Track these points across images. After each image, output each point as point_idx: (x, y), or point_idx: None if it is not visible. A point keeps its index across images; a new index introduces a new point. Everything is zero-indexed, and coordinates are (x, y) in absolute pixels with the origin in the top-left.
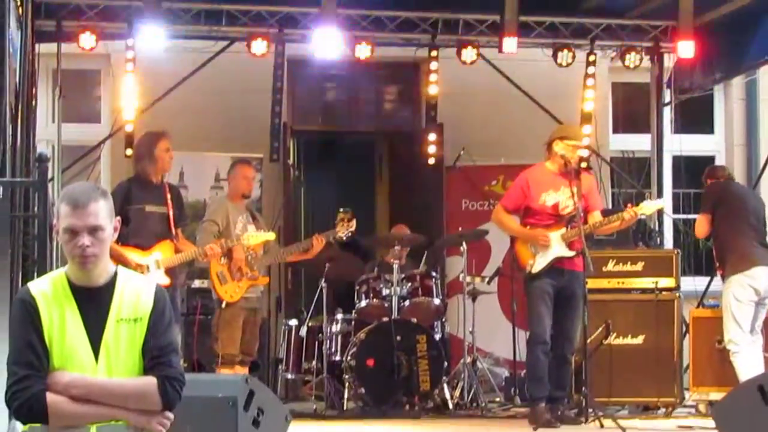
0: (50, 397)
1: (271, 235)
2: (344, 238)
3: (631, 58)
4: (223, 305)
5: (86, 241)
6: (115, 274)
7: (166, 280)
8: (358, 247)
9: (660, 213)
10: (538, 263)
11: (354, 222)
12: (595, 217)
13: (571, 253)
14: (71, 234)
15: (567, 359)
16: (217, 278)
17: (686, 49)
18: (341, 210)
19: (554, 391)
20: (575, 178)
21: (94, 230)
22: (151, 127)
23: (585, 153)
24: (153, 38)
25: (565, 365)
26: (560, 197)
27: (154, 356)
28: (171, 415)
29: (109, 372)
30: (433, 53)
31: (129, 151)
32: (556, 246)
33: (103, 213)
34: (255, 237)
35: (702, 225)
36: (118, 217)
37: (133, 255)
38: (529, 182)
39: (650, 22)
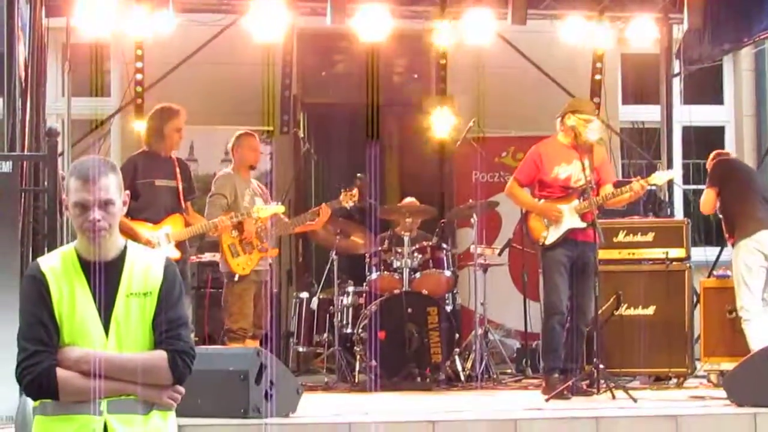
0: (60, 372)
1: (280, 208)
2: (348, 208)
3: (641, 29)
4: (236, 278)
5: (97, 215)
6: (125, 248)
7: (176, 254)
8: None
9: (670, 183)
10: (552, 235)
11: (356, 191)
12: (607, 190)
13: (583, 225)
14: (81, 208)
15: (581, 331)
16: (229, 251)
17: (695, 19)
18: (358, 175)
19: (567, 362)
20: (587, 151)
21: (104, 204)
22: (160, 100)
23: (597, 129)
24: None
25: (579, 337)
26: (572, 170)
27: (164, 330)
28: (181, 389)
29: (119, 347)
30: (443, 25)
31: (138, 125)
32: (569, 217)
33: (114, 187)
34: (265, 210)
35: (709, 200)
36: (128, 192)
37: (143, 229)
38: (541, 155)
39: None
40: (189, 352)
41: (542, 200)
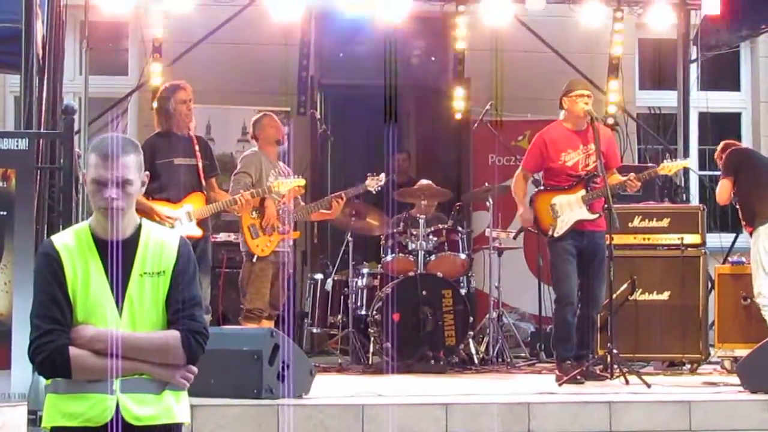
0: (73, 351)
1: (301, 181)
2: (374, 192)
3: (658, 14)
4: (254, 259)
5: (113, 193)
6: (139, 227)
7: (198, 232)
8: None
9: (686, 170)
10: (560, 227)
11: (383, 176)
12: (612, 175)
13: (592, 216)
14: (99, 185)
15: (592, 319)
16: (249, 231)
17: (713, 5)
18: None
19: (579, 349)
20: (594, 134)
21: (122, 183)
22: (178, 79)
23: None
24: None
25: (590, 325)
26: (579, 156)
27: (177, 309)
28: (195, 369)
29: (132, 326)
30: (461, 7)
31: (155, 104)
32: (576, 208)
33: (133, 166)
34: (285, 184)
35: (724, 190)
36: (147, 172)
37: (164, 209)
38: (546, 142)
39: None
40: (202, 332)
41: (550, 189)
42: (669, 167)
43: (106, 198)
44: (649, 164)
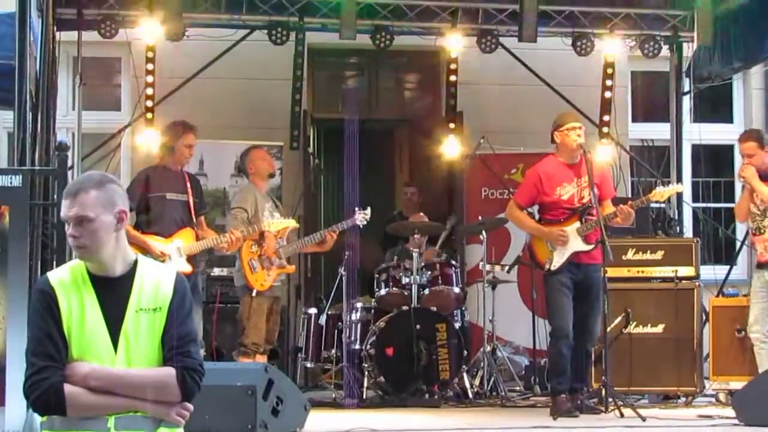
0: (68, 388)
1: (292, 222)
2: (361, 226)
3: (650, 47)
4: (253, 293)
5: (73, 231)
6: (135, 262)
7: (188, 268)
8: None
9: (680, 202)
10: (556, 260)
11: (368, 209)
12: (606, 206)
13: (588, 247)
14: (66, 224)
15: (587, 352)
16: (248, 266)
17: (705, 38)
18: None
19: (574, 382)
20: (586, 167)
21: (79, 221)
22: (170, 116)
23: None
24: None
25: (585, 358)
26: (574, 189)
27: (173, 346)
28: (190, 406)
29: (128, 362)
30: (453, 42)
31: (147, 140)
32: (573, 240)
33: (93, 203)
34: (277, 224)
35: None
36: (125, 207)
37: (155, 243)
38: (541, 177)
39: (669, 12)
40: (198, 369)
41: (545, 224)
42: (661, 193)
43: (69, 236)
44: (639, 197)
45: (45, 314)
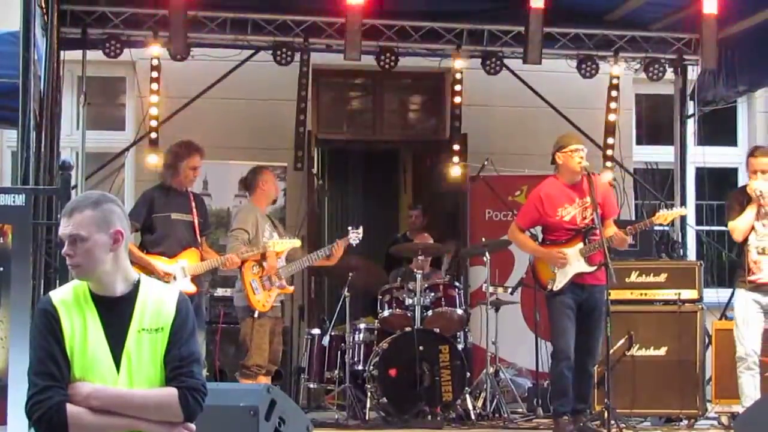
0: (71, 408)
1: (296, 242)
2: (354, 245)
3: (655, 70)
4: (255, 315)
5: (67, 250)
6: (138, 282)
7: (192, 288)
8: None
9: (683, 225)
10: (559, 281)
11: (360, 228)
12: (608, 226)
13: (591, 268)
14: (63, 243)
15: (589, 372)
16: (251, 288)
17: (709, 61)
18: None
19: (576, 403)
20: (588, 188)
21: (73, 240)
22: (175, 136)
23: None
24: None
25: (587, 379)
26: (576, 210)
27: (175, 367)
28: (192, 426)
29: (130, 382)
30: (458, 64)
31: (152, 159)
32: (575, 262)
33: (87, 222)
34: (281, 243)
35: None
36: (121, 228)
37: (159, 263)
38: (542, 199)
39: (674, 35)
40: (200, 389)
41: (548, 245)
42: (665, 216)
43: (63, 255)
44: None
45: (47, 334)
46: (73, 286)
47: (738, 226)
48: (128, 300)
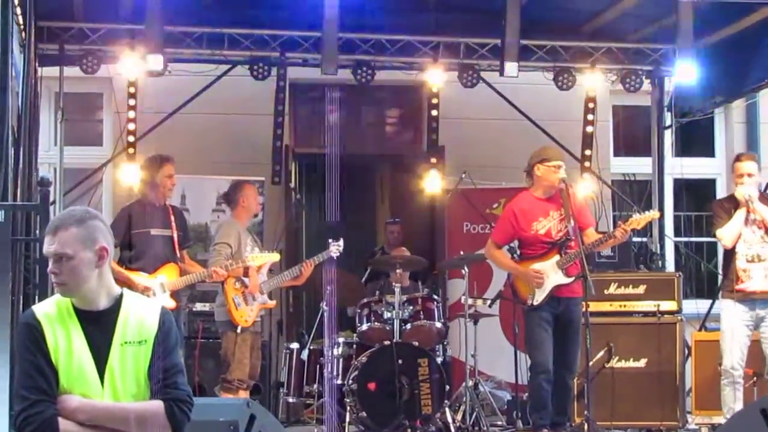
0: (62, 422)
1: (275, 256)
2: (334, 257)
3: (632, 82)
4: (238, 330)
5: (53, 268)
6: (120, 296)
7: (172, 303)
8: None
9: (662, 236)
10: (538, 296)
11: (341, 240)
12: (590, 234)
13: (568, 280)
14: (48, 261)
15: (568, 385)
16: (233, 303)
17: (686, 72)
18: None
19: (555, 416)
20: (564, 199)
21: (59, 258)
22: (152, 151)
23: (564, 174)
24: (154, 62)
25: (566, 391)
26: (551, 223)
27: (160, 379)
28: None
29: (114, 395)
30: (435, 77)
31: (129, 175)
32: (553, 275)
33: (72, 240)
34: (260, 258)
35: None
36: (106, 244)
37: (139, 278)
38: (516, 214)
39: (650, 46)
40: (186, 400)
41: (525, 259)
42: (638, 220)
43: (49, 272)
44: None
45: (33, 348)
46: (56, 300)
47: (727, 232)
48: (111, 313)
